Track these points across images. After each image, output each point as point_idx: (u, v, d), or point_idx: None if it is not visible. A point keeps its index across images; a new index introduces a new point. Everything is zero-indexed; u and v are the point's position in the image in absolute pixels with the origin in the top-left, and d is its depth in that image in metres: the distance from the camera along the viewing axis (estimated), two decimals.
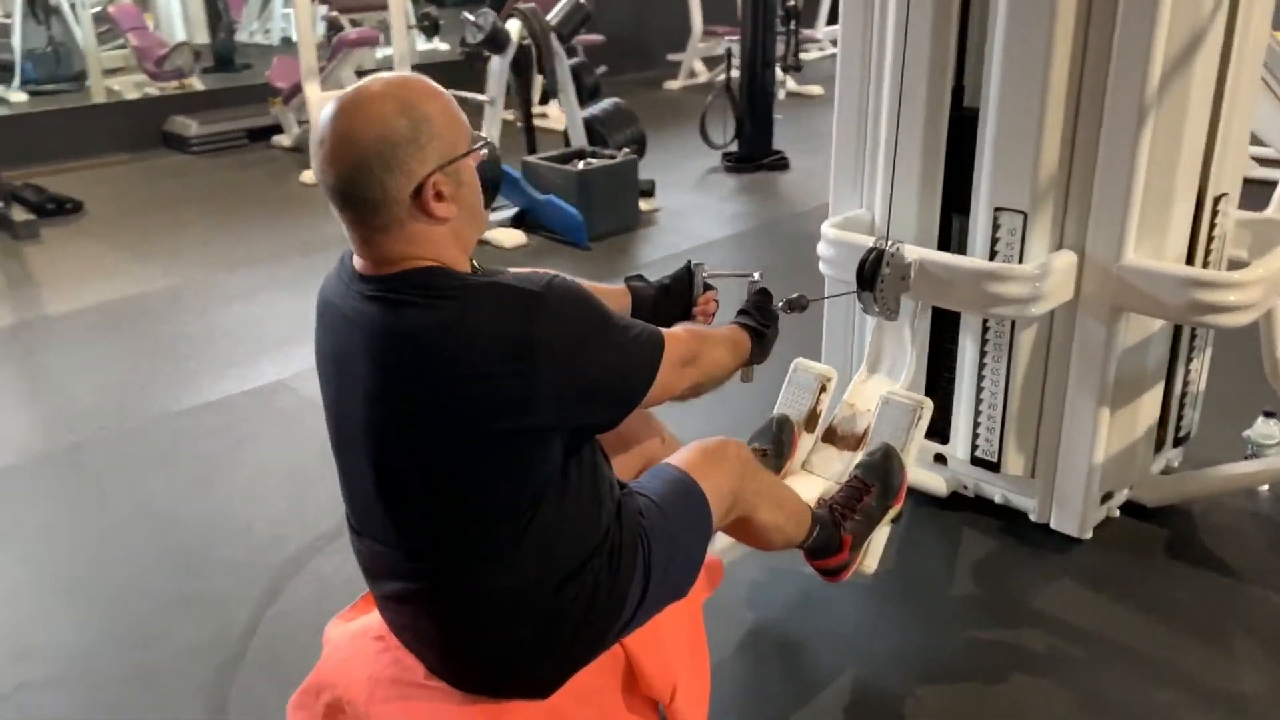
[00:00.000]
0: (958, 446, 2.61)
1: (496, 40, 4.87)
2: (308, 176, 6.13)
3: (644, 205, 5.32)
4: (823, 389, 2.40)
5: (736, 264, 4.66)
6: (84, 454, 3.08)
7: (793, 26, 8.10)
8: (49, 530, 2.71)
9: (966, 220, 2.42)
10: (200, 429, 3.20)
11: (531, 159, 5.04)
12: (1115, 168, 2.18)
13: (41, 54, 8.43)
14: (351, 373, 1.41)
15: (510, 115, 5.84)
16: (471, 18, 4.88)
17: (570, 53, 7.27)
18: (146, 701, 2.10)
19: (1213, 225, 2.39)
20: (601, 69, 6.64)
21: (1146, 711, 1.99)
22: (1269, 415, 2.72)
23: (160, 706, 2.08)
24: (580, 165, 4.94)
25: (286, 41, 10.80)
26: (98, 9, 8.63)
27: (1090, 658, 2.13)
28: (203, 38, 9.90)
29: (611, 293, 1.94)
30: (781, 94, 7.91)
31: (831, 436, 2.39)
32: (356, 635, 1.73)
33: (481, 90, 5.11)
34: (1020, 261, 2.32)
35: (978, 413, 2.53)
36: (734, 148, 6.33)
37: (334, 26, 8.15)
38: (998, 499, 2.62)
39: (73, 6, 8.11)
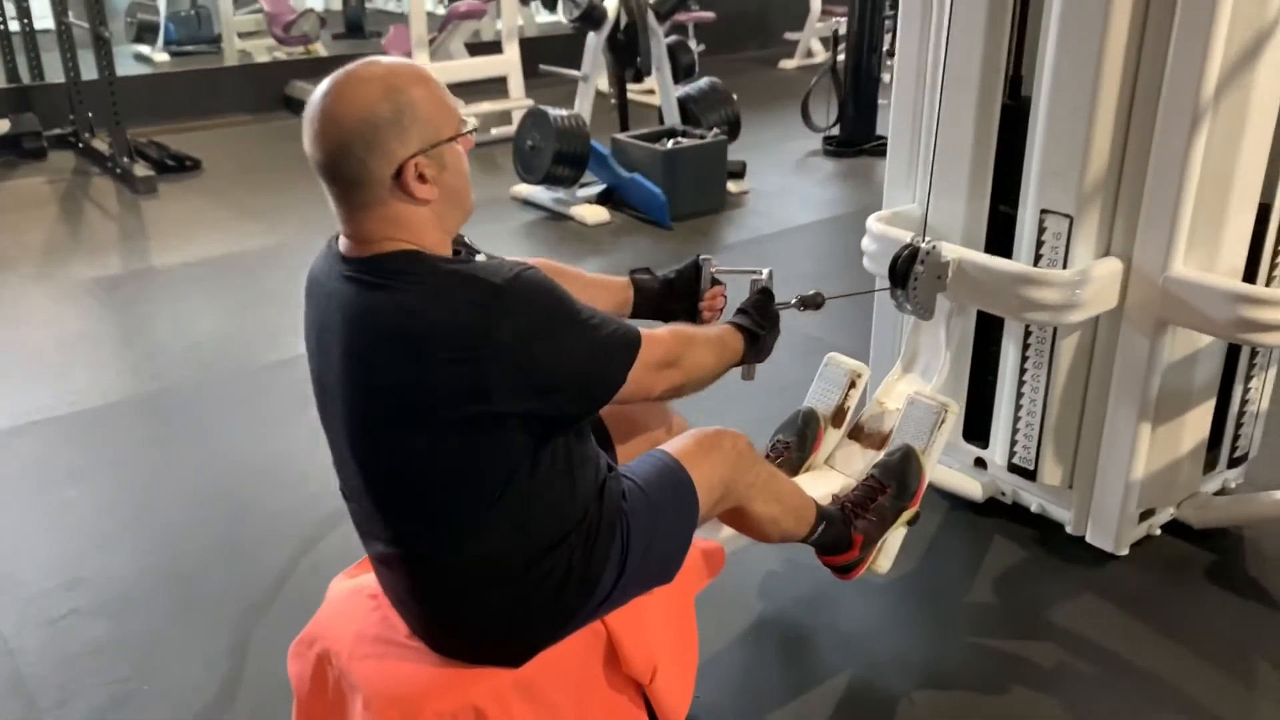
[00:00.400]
0: (996, 452, 2.56)
1: (592, 16, 4.91)
2: None
3: (733, 187, 5.30)
4: (852, 385, 2.38)
5: (815, 251, 4.62)
6: (163, 400, 3.27)
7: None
8: (119, 468, 2.90)
9: None
10: (276, 383, 3.36)
11: (621, 136, 5.07)
12: (1165, 173, 2.10)
13: (184, 16, 8.86)
14: (331, 347, 1.47)
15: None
16: None
17: (678, 30, 7.28)
18: (178, 634, 2.24)
19: (1279, 240, 2.28)
20: (699, 47, 6.61)
21: None
22: None
23: (189, 639, 2.22)
24: (669, 144, 4.95)
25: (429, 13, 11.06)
26: None
27: (1098, 676, 2.08)
28: (338, 4, 10.23)
29: (612, 285, 1.96)
30: (887, 78, 7.73)
31: (858, 433, 2.37)
32: (353, 592, 1.81)
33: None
34: (1065, 266, 2.25)
35: (1016, 418, 2.48)
36: (835, 131, 6.24)
37: None
38: (1034, 508, 2.56)
39: None
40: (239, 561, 2.47)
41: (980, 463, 2.62)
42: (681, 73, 5.41)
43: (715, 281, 1.96)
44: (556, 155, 4.77)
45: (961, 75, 2.33)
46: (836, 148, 6.20)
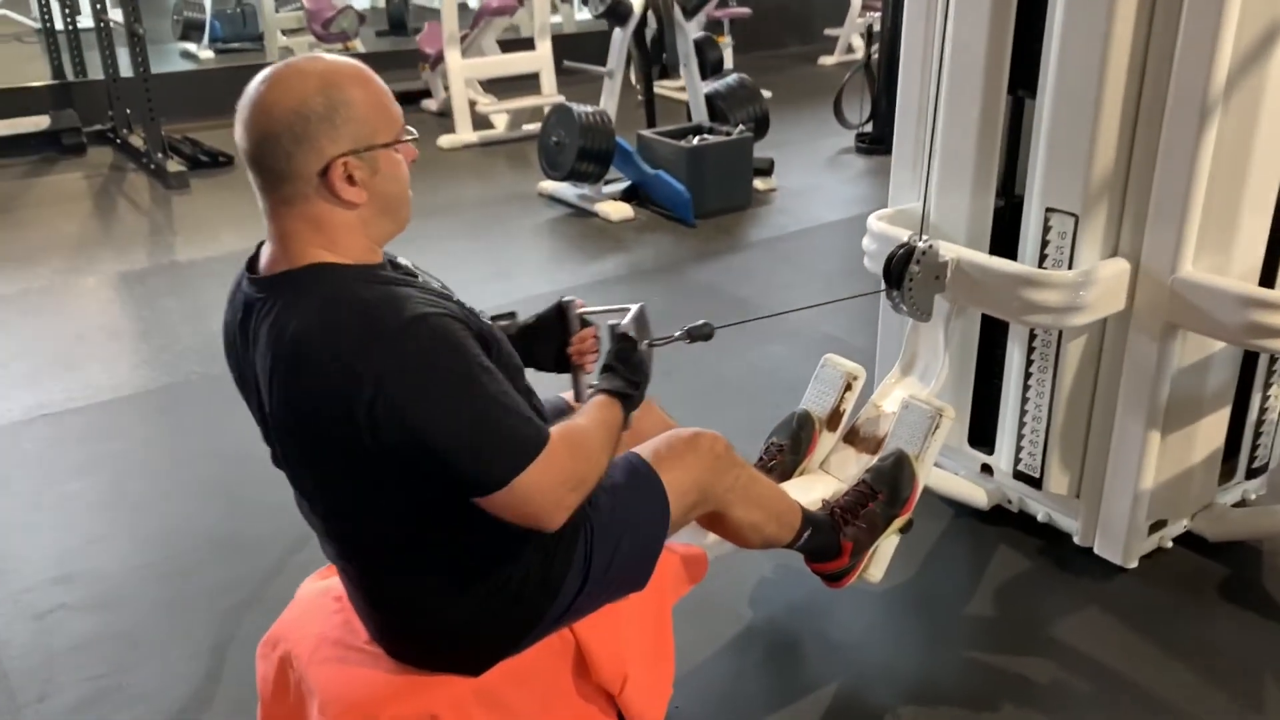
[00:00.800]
0: (1001, 458, 2.47)
1: (618, 12, 4.87)
2: (445, 141, 6.31)
3: (760, 184, 5.23)
4: (848, 387, 2.32)
5: (839, 249, 4.53)
6: (173, 394, 3.29)
7: None
8: (122, 462, 2.91)
9: None
10: None
11: (646, 133, 5.03)
12: (1173, 170, 2.00)
13: (230, 14, 8.97)
14: (249, 379, 1.44)
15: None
16: None
17: (713, 26, 7.21)
18: (162, 631, 2.24)
19: None
20: (730, 42, 6.52)
21: None
22: None
23: (172, 636, 2.22)
24: (694, 141, 4.89)
25: (463, 7, 11.09)
26: None
27: (1094, 696, 1.99)
28: (382, 0, 10.29)
29: None
30: None
31: (853, 437, 2.31)
32: (320, 594, 1.79)
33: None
34: (1070, 266, 2.17)
35: (1021, 424, 2.39)
36: (868, 128, 6.13)
37: None
38: (1041, 517, 2.47)
39: None
40: (230, 558, 2.47)
41: (987, 469, 2.54)
42: (710, 69, 5.34)
43: (585, 323, 1.79)
44: (581, 151, 4.74)
45: (964, 66, 2.25)
46: (869, 145, 6.09)
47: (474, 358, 1.33)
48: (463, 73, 6.29)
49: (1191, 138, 1.96)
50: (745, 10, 7.67)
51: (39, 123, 6.18)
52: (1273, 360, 2.32)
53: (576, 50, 6.97)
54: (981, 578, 2.35)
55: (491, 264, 4.40)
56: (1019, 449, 2.41)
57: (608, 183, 5.07)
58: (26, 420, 3.13)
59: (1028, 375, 2.34)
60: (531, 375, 1.58)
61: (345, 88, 1.34)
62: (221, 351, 1.52)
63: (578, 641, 1.67)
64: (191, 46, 8.81)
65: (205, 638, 2.21)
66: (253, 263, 1.44)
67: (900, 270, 2.17)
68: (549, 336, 1.80)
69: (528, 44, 6.83)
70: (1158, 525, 2.33)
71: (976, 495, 2.52)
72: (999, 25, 2.20)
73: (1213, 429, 2.27)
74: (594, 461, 1.45)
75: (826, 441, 2.31)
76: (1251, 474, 2.47)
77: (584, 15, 9.58)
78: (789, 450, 2.28)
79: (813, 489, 2.20)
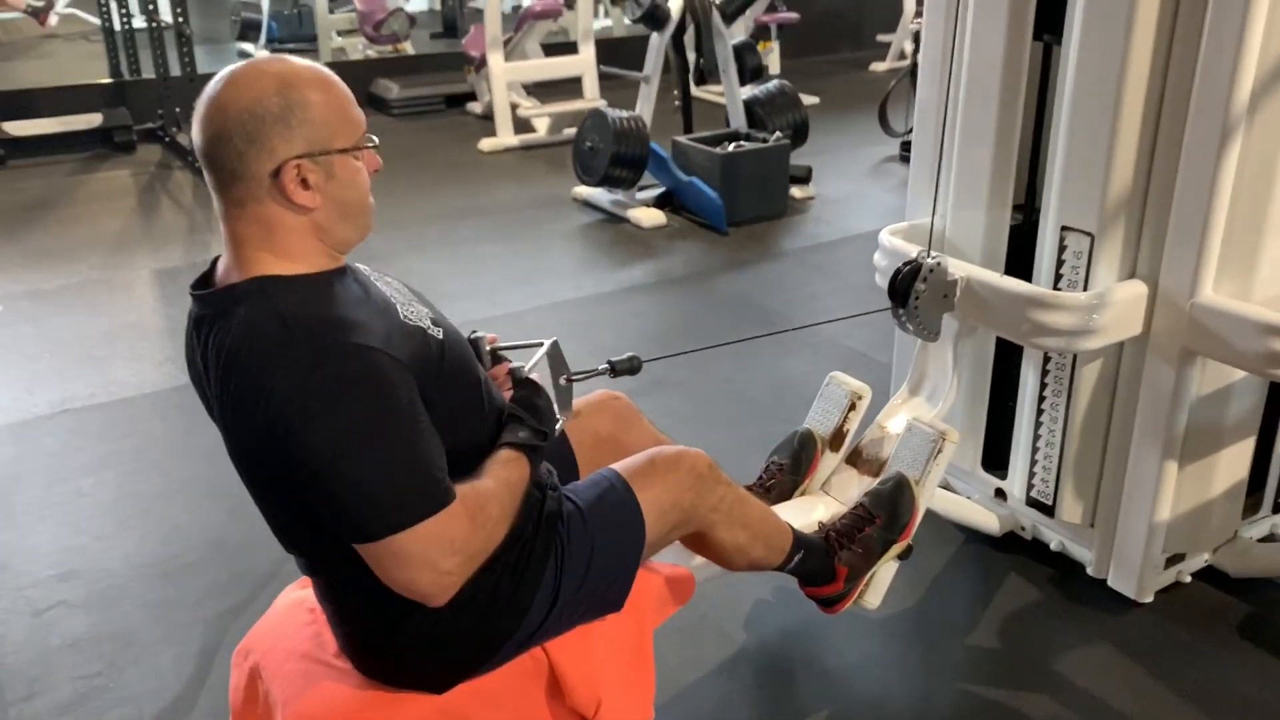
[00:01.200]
0: (1015, 484, 2.39)
1: (655, 16, 4.82)
2: (485, 144, 6.32)
3: (797, 192, 5.15)
4: (852, 407, 2.25)
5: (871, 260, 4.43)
6: (193, 393, 3.29)
7: None
8: (134, 461, 2.93)
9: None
10: None
11: (682, 139, 4.98)
12: (1193, 188, 1.91)
13: (287, 15, 9.10)
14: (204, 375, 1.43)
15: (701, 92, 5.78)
16: None
17: (761, 32, 7.14)
18: (155, 632, 2.24)
19: None
20: (773, 48, 6.44)
21: None
22: None
23: (164, 638, 2.22)
24: (730, 148, 4.83)
25: (516, 9, 11.14)
26: None
27: None
28: (439, 3, 10.38)
29: None
30: None
31: (856, 459, 2.24)
32: (294, 605, 1.77)
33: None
34: (1085, 288, 2.08)
35: (1035, 449, 2.30)
36: (913, 136, 6.01)
37: None
38: (1054, 545, 2.38)
39: None
40: (228, 561, 2.47)
41: (1001, 494, 2.45)
42: (749, 75, 5.27)
43: (497, 359, 1.73)
44: (614, 157, 4.70)
45: (981, 77, 2.17)
46: None
47: (389, 400, 1.28)
48: (504, 76, 6.29)
49: (1213, 154, 1.87)
50: (793, 15, 7.58)
51: (91, 120, 6.31)
52: None
53: (623, 55, 6.96)
54: (987, 607, 2.27)
55: (518, 269, 4.38)
56: (1032, 474, 2.33)
57: (642, 189, 5.03)
58: (50, 415, 3.18)
59: (1041, 399, 2.26)
60: None
61: (303, 90, 1.32)
62: None
63: (550, 663, 1.63)
64: (249, 46, 8.94)
65: (195, 641, 2.21)
66: (206, 278, 1.42)
67: (906, 288, 2.10)
68: None
69: (573, 48, 6.82)
70: (1175, 558, 2.24)
71: (988, 521, 2.43)
72: (1017, 32, 2.12)
73: (1235, 460, 2.16)
74: (491, 531, 1.38)
75: (829, 462, 2.24)
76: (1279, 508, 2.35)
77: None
78: (789, 470, 2.22)
79: (812, 511, 2.14)
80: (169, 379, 3.41)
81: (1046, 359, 2.23)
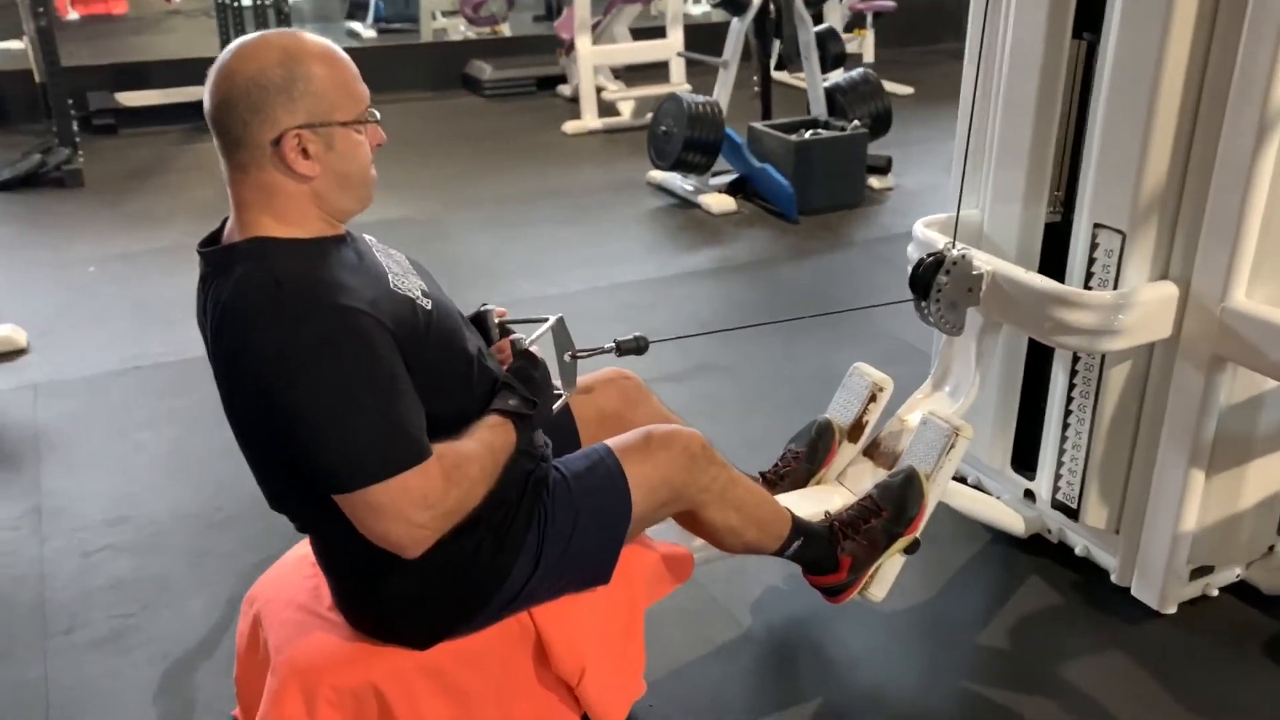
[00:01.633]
0: (1042, 485, 2.33)
1: (735, 2, 4.80)
2: (569, 127, 6.37)
3: (875, 183, 5.08)
4: (873, 398, 2.23)
5: None
6: None
7: None
8: (190, 417, 3.05)
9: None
10: None
11: (758, 125, 4.95)
12: (1228, 188, 1.84)
13: None
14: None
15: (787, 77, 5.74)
16: None
17: (856, 20, 7.03)
18: (188, 579, 2.36)
19: None
20: (867, 35, 6.32)
21: None
22: None
23: (196, 586, 2.34)
24: (805, 135, 4.79)
25: None
26: None
27: None
28: None
29: None
30: None
31: (873, 450, 2.23)
32: (300, 559, 1.85)
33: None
34: (1115, 287, 2.02)
35: (1061, 451, 2.25)
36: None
37: None
38: (1079, 550, 2.32)
39: None
40: (265, 516, 2.55)
41: (1030, 495, 2.40)
42: (830, 62, 5.20)
43: (505, 331, 1.73)
44: (688, 141, 4.71)
45: (1020, 72, 2.12)
46: None
47: (369, 358, 1.34)
48: (591, 59, 6.34)
49: (1249, 153, 1.80)
50: (889, 4, 7.44)
51: (197, 93, 6.49)
52: None
53: (713, 40, 6.92)
54: (1003, 608, 2.23)
55: (583, 250, 4.43)
56: (1058, 476, 2.27)
57: (716, 174, 5.02)
58: (120, 371, 3.35)
59: (1069, 400, 2.21)
60: None
61: (307, 62, 1.38)
62: None
63: (536, 628, 1.67)
64: (357, 25, 9.17)
65: (225, 590, 2.31)
66: (214, 237, 1.49)
67: (928, 280, 2.07)
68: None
69: (663, 33, 6.82)
70: (1203, 570, 2.16)
71: (1014, 522, 2.38)
72: (1056, 28, 2.07)
73: (1268, 473, 2.08)
74: (468, 491, 1.43)
75: (846, 453, 2.23)
76: None
77: None
78: (804, 458, 2.22)
79: (824, 500, 2.14)
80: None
81: (1075, 359, 2.17)
